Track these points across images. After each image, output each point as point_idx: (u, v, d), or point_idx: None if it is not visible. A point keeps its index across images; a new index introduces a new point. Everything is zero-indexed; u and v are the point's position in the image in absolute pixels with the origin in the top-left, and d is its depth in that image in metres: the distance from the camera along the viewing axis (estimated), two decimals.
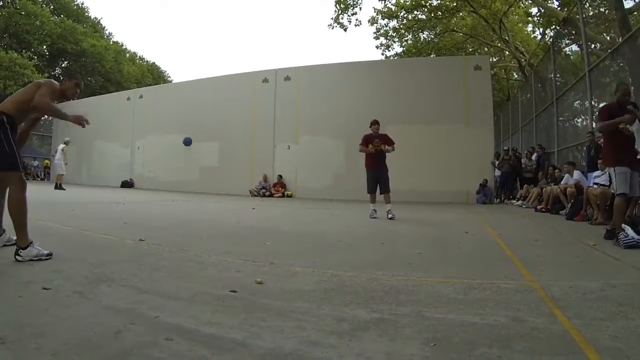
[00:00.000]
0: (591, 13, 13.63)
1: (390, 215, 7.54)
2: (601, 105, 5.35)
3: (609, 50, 9.99)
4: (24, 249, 3.24)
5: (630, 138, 5.05)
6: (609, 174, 5.62)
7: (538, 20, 22.13)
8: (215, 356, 1.70)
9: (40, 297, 2.36)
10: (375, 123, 8.02)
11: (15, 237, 3.37)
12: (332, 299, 2.50)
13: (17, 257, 3.22)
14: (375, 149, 7.88)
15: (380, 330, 2.00)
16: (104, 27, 39.29)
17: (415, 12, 21.93)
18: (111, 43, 37.86)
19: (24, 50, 28.11)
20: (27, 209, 3.36)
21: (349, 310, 2.29)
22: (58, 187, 14.55)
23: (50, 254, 3.34)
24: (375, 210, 7.79)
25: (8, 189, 3.41)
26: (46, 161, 27.13)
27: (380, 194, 7.99)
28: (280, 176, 15.63)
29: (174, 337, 1.85)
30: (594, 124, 9.97)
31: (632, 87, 8.46)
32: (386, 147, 7.86)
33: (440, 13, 21.40)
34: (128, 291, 2.56)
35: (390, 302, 2.46)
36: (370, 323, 2.10)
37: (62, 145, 15.44)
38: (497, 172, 14.11)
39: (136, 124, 19.74)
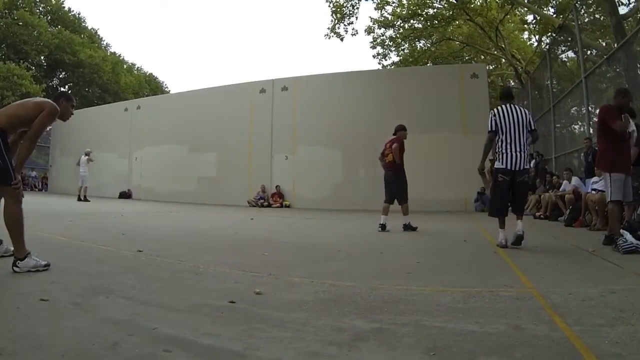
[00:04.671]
0: (586, 20, 13.74)
1: (404, 227, 7.23)
2: (601, 107, 5.42)
3: (605, 57, 10.05)
4: (22, 260, 3.23)
5: (627, 142, 5.08)
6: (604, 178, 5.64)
7: (534, 27, 22.26)
8: None
9: (38, 309, 2.34)
10: (402, 129, 7.77)
11: (12, 248, 3.36)
12: (331, 309, 2.49)
13: (14, 268, 3.21)
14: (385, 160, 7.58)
15: (380, 340, 1.99)
16: (102, 38, 39.38)
17: (412, 21, 21.98)
18: (108, 54, 37.94)
19: (21, 61, 28.09)
20: (23, 220, 3.34)
21: (348, 321, 2.28)
22: (83, 199, 14.62)
23: (47, 265, 3.33)
24: (383, 225, 7.18)
25: (3, 201, 3.40)
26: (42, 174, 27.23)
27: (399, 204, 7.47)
28: (278, 186, 15.63)
29: (173, 348, 1.84)
30: (591, 130, 10.01)
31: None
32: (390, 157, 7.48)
33: (436, 22, 21.46)
34: (126, 303, 2.55)
35: (389, 312, 2.45)
36: (369, 333, 2.09)
37: (84, 157, 15.39)
38: None
39: (134, 135, 19.78)
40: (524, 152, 5.10)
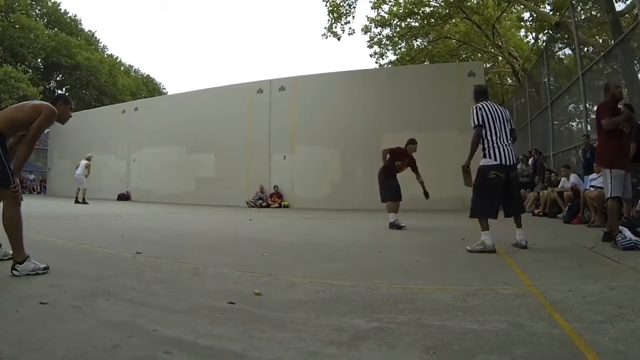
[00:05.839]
0: (583, 17, 13.73)
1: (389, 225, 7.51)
2: (597, 105, 5.39)
3: (602, 53, 10.06)
4: (21, 263, 3.22)
5: (626, 138, 5.09)
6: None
7: (531, 25, 22.26)
8: None
9: (37, 312, 2.34)
10: (410, 142, 8.32)
11: (12, 252, 3.35)
12: (331, 309, 2.49)
13: (13, 271, 3.20)
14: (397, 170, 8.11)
15: (380, 339, 1.98)
16: (99, 40, 39.33)
17: (408, 20, 22.03)
18: (106, 56, 37.88)
19: (18, 64, 27.99)
20: (22, 223, 3.33)
21: (348, 320, 2.28)
22: (80, 201, 14.51)
23: (47, 268, 3.31)
24: (391, 222, 7.67)
25: (2, 204, 3.39)
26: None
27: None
28: (277, 186, 15.62)
29: (173, 350, 1.83)
30: (588, 127, 10.03)
31: (626, 89, 8.53)
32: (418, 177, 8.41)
33: (433, 20, 21.50)
34: (126, 305, 2.54)
35: (389, 311, 2.45)
36: (369, 332, 2.09)
37: (84, 161, 15.35)
38: None
39: (132, 137, 19.75)
40: (511, 146, 4.90)
